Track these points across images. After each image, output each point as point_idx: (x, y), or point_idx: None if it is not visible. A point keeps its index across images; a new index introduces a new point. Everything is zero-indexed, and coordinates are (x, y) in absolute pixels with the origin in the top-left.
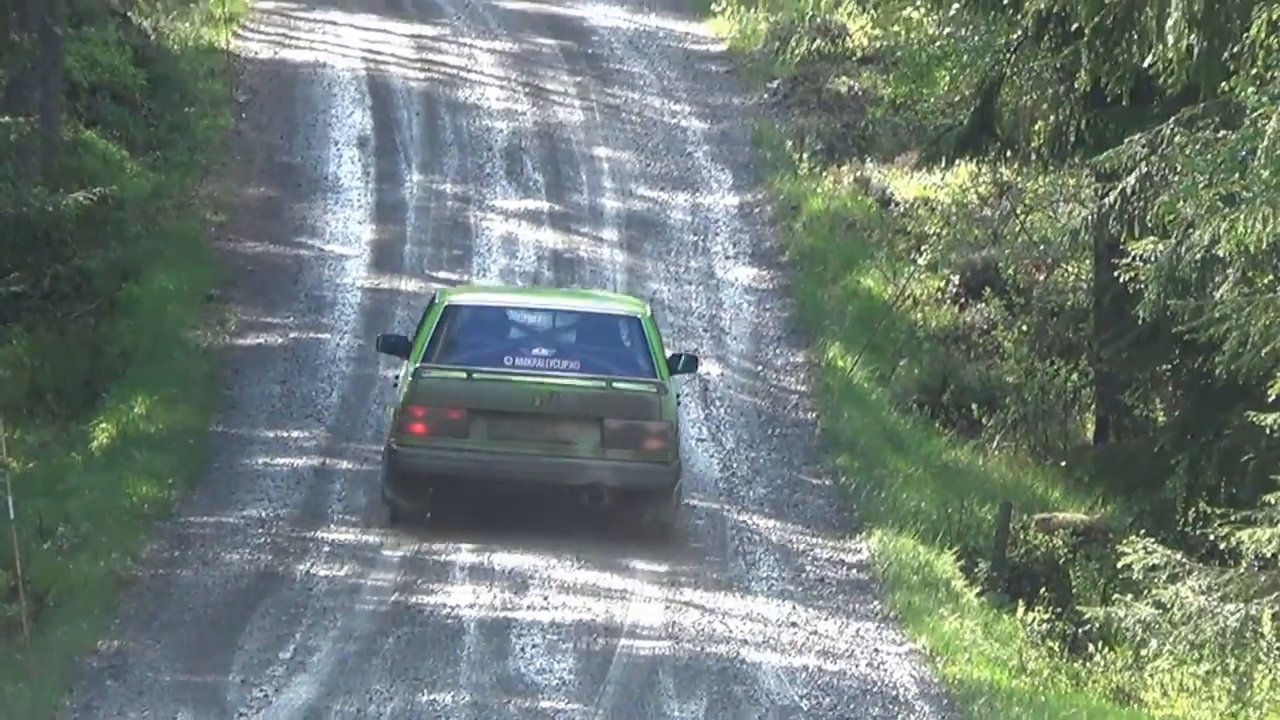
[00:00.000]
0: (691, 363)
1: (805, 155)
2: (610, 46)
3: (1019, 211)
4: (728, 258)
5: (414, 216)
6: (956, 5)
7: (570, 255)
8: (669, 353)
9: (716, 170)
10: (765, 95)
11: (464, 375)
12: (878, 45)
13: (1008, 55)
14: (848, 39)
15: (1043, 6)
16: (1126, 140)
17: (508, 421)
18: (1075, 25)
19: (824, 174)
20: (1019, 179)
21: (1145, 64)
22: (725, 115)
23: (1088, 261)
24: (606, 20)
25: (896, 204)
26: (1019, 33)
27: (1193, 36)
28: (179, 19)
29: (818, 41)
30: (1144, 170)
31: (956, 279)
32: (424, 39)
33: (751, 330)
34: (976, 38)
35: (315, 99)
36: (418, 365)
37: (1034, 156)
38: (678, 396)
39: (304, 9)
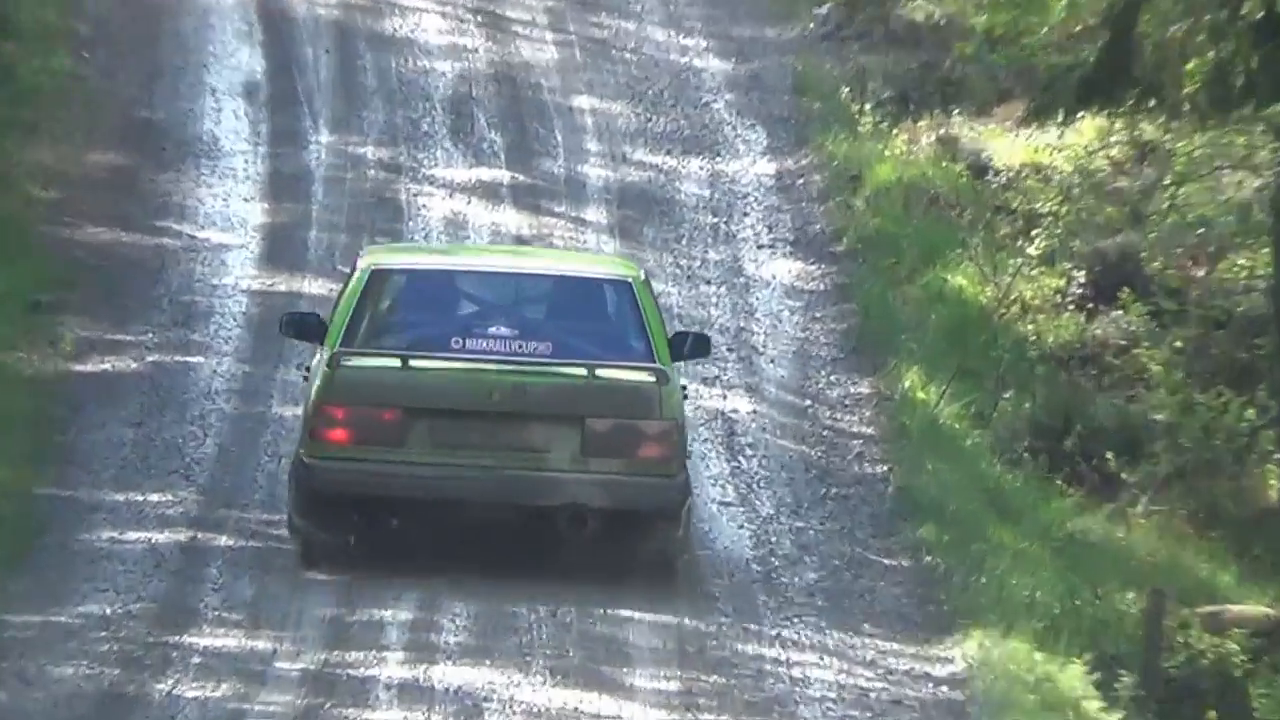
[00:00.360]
0: (701, 344)
1: (868, 106)
2: None
3: (1167, 182)
4: (761, 247)
5: (322, 191)
6: None
7: (541, 244)
8: (671, 330)
9: (744, 127)
10: (811, 24)
11: (398, 363)
12: None
13: None
14: None
15: None
16: None
17: (457, 424)
18: None
19: (894, 132)
20: (1166, 138)
21: None
22: (756, 52)
23: (1264, 250)
24: None
25: (996, 173)
26: None
27: None
28: None
29: None
30: None
31: (1082, 276)
32: None
33: (796, 349)
34: None
35: (185, 32)
36: (335, 350)
37: (1187, 107)
38: (683, 389)
39: None
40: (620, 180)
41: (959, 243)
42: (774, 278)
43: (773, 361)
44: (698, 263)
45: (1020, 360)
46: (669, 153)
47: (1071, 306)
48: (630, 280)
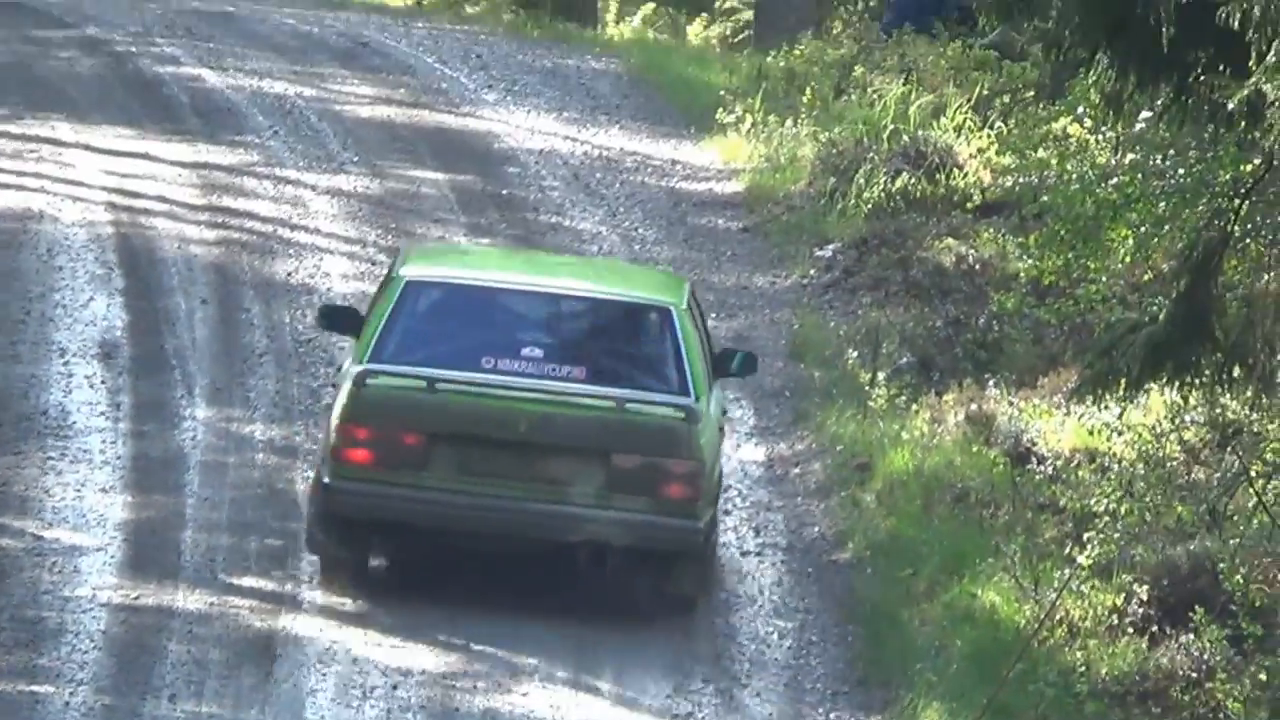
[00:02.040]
0: (749, 362)
1: (881, 375)
2: (541, 184)
3: (1254, 474)
4: (745, 553)
5: (198, 481)
6: (1147, 114)
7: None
8: (719, 348)
9: (726, 402)
10: (812, 271)
11: (424, 385)
12: (1009, 184)
13: (1236, 202)
14: (957, 173)
15: None
16: None
17: (481, 452)
18: None
19: (914, 408)
20: (1254, 417)
21: None
22: (741, 305)
23: None
24: (534, 139)
25: (1040, 461)
26: (1256, 163)
27: None
28: None
29: (904, 177)
30: None
31: (1144, 592)
32: (215, 171)
33: (787, 680)
34: (1182, 172)
35: (26, 275)
36: (364, 366)
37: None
38: (724, 412)
39: (6, 119)
40: None
41: (992, 549)
42: (761, 593)
43: (757, 695)
44: None
45: (1065, 697)
46: None
47: (1131, 629)
48: (671, 307)
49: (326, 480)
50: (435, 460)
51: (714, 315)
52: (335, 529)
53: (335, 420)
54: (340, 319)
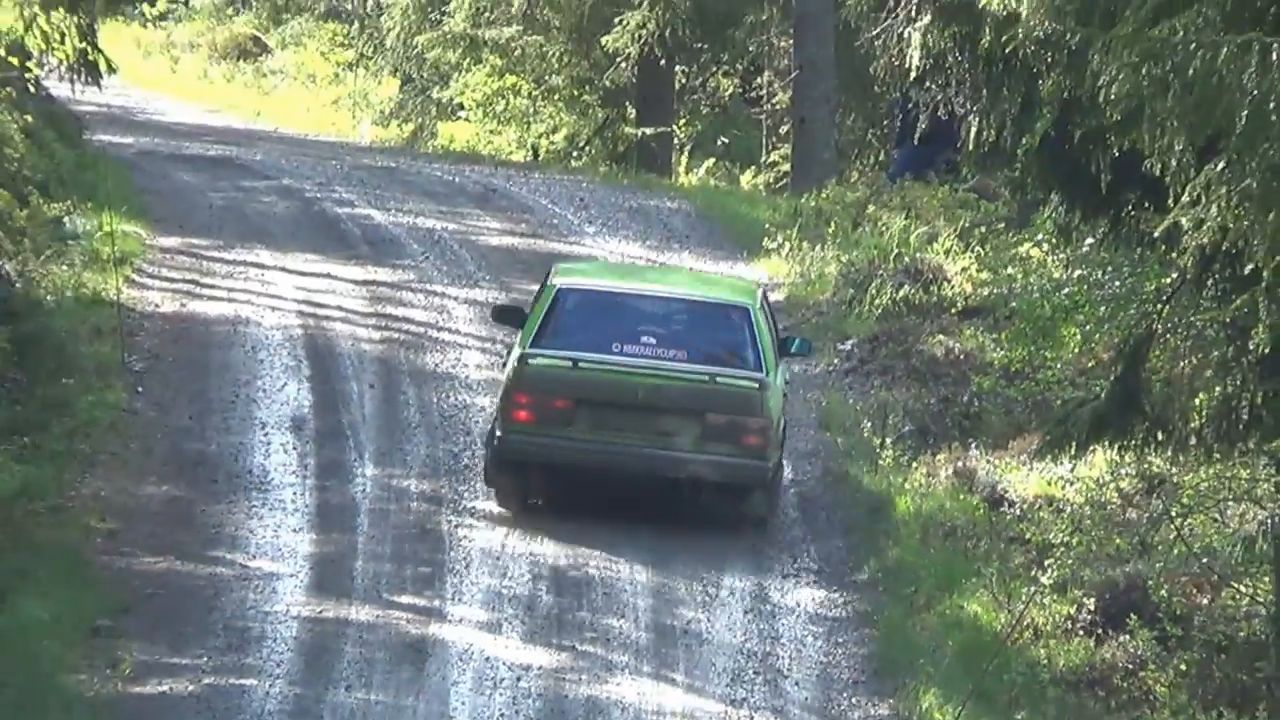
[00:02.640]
0: (805, 346)
1: (889, 440)
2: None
3: (1174, 514)
4: (785, 576)
5: (367, 523)
6: (1090, 240)
7: (576, 573)
8: (783, 334)
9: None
10: (836, 360)
11: (570, 365)
12: (986, 294)
13: (1159, 307)
14: (946, 285)
15: (1206, 242)
16: None
17: (611, 412)
18: (1250, 266)
19: (914, 465)
20: (1174, 471)
21: None
22: None
23: (1266, 579)
24: (625, 260)
25: (1011, 504)
26: (1174, 277)
27: None
28: (53, 260)
29: (905, 289)
30: None
31: (1092, 603)
32: (380, 286)
33: (819, 673)
34: (1117, 283)
35: (235, 367)
36: (525, 350)
37: (1194, 440)
38: (787, 382)
39: (219, 247)
40: (654, 510)
41: (975, 572)
42: (799, 605)
43: (797, 684)
44: (726, 591)
45: (1033, 683)
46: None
47: (1082, 632)
48: (749, 306)
49: (499, 434)
50: (578, 419)
51: None
52: (505, 469)
53: (506, 390)
54: (509, 316)
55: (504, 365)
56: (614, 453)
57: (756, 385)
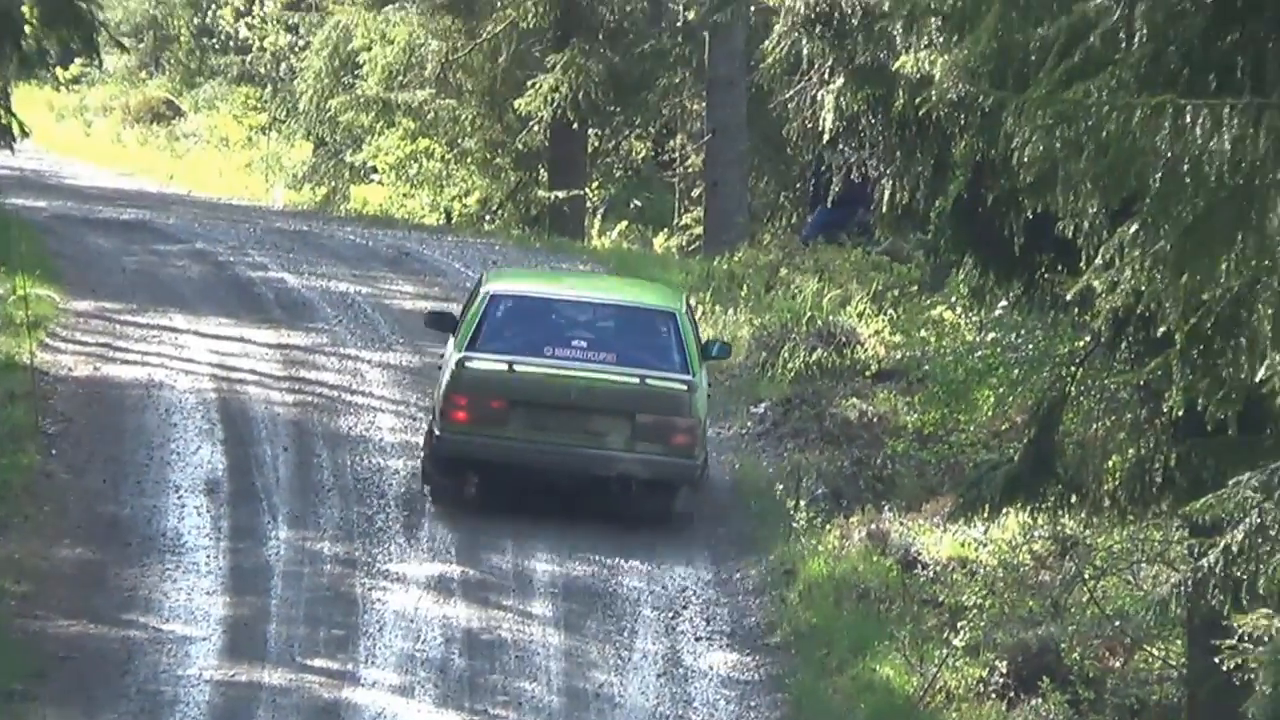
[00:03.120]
0: (725, 349)
1: (802, 503)
2: None
3: (1087, 576)
4: (699, 639)
5: (281, 586)
6: (1004, 303)
7: (489, 637)
8: (704, 338)
9: (684, 524)
10: (749, 423)
11: (505, 368)
12: (899, 357)
13: (1072, 369)
14: (859, 348)
15: (1120, 305)
16: (1231, 482)
17: (545, 413)
18: (1163, 329)
19: (827, 528)
20: (1087, 533)
21: (1257, 379)
22: None
23: (1179, 642)
24: None
25: (924, 566)
26: (1087, 339)
27: None
28: None
29: (819, 352)
30: (1255, 521)
31: (1004, 666)
32: (294, 350)
33: None
34: (1030, 346)
35: (149, 430)
36: (462, 354)
37: (1107, 502)
38: (709, 384)
39: (133, 311)
40: (565, 573)
41: (887, 635)
42: (711, 669)
43: None
44: (638, 654)
45: None
46: (611, 548)
47: (994, 695)
48: (675, 311)
49: (437, 433)
50: (513, 419)
51: None
52: (443, 467)
53: (442, 391)
54: (442, 321)
55: (439, 369)
56: (548, 452)
57: (684, 387)
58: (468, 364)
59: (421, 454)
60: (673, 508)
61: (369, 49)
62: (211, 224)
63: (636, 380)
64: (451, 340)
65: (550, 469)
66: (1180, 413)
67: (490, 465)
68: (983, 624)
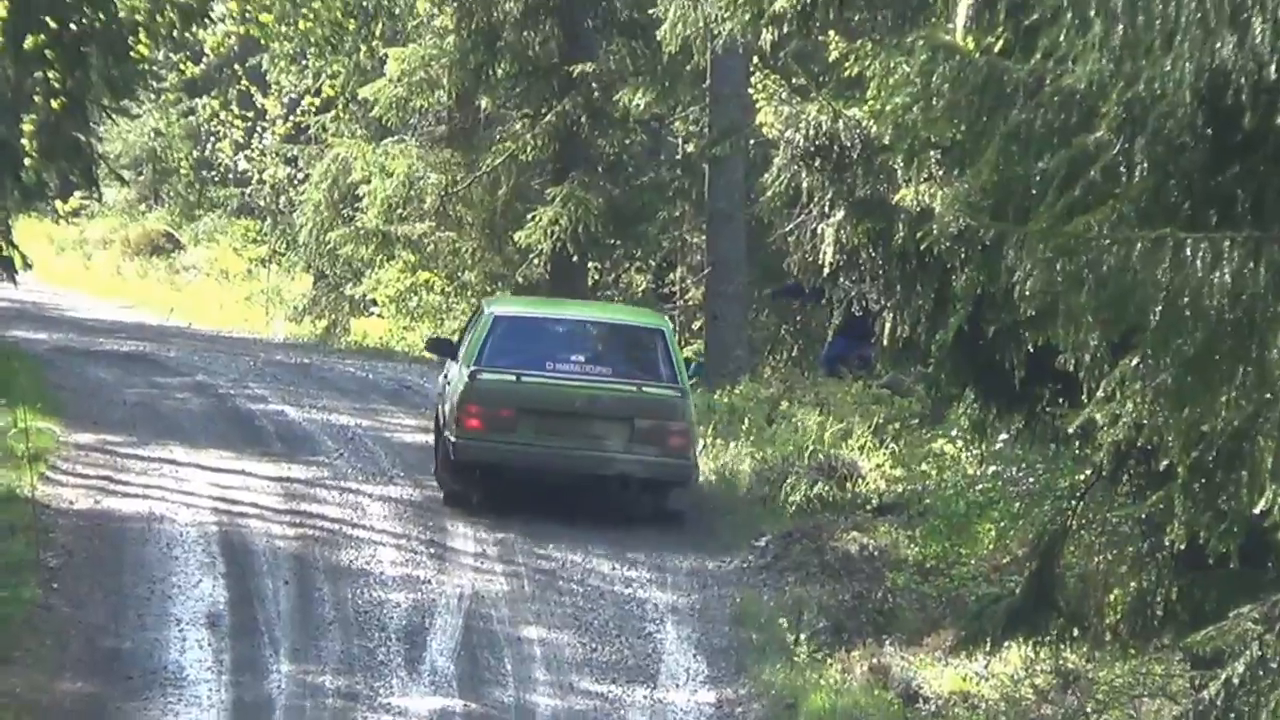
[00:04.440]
0: (700, 369)
1: (804, 636)
2: (545, 491)
3: (1089, 710)
4: None
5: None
6: (1005, 436)
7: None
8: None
9: (685, 657)
10: (751, 557)
11: (514, 379)
12: (900, 490)
13: (1073, 503)
14: (860, 482)
15: (1121, 438)
16: (1233, 614)
17: (551, 420)
18: (1165, 462)
19: (829, 661)
20: (1089, 666)
21: (1258, 511)
22: (697, 583)
23: None
24: None
25: (926, 700)
26: (1088, 473)
27: None
28: None
29: (820, 485)
30: (1256, 654)
31: None
32: (295, 483)
33: None
34: (1032, 480)
35: (150, 563)
36: (473, 368)
37: (1109, 636)
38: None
39: (134, 444)
40: (567, 708)
41: None
42: None
43: None
44: None
45: None
46: (613, 682)
47: None
48: (663, 329)
49: (452, 440)
50: (521, 426)
51: (676, 591)
52: (457, 471)
53: (456, 401)
54: (441, 346)
55: (441, 392)
56: (554, 454)
57: (678, 394)
58: (479, 376)
59: (437, 460)
60: (665, 507)
61: (368, 181)
62: (212, 356)
63: (634, 389)
64: (452, 362)
65: (556, 470)
66: (1182, 546)
67: (501, 468)
68: None
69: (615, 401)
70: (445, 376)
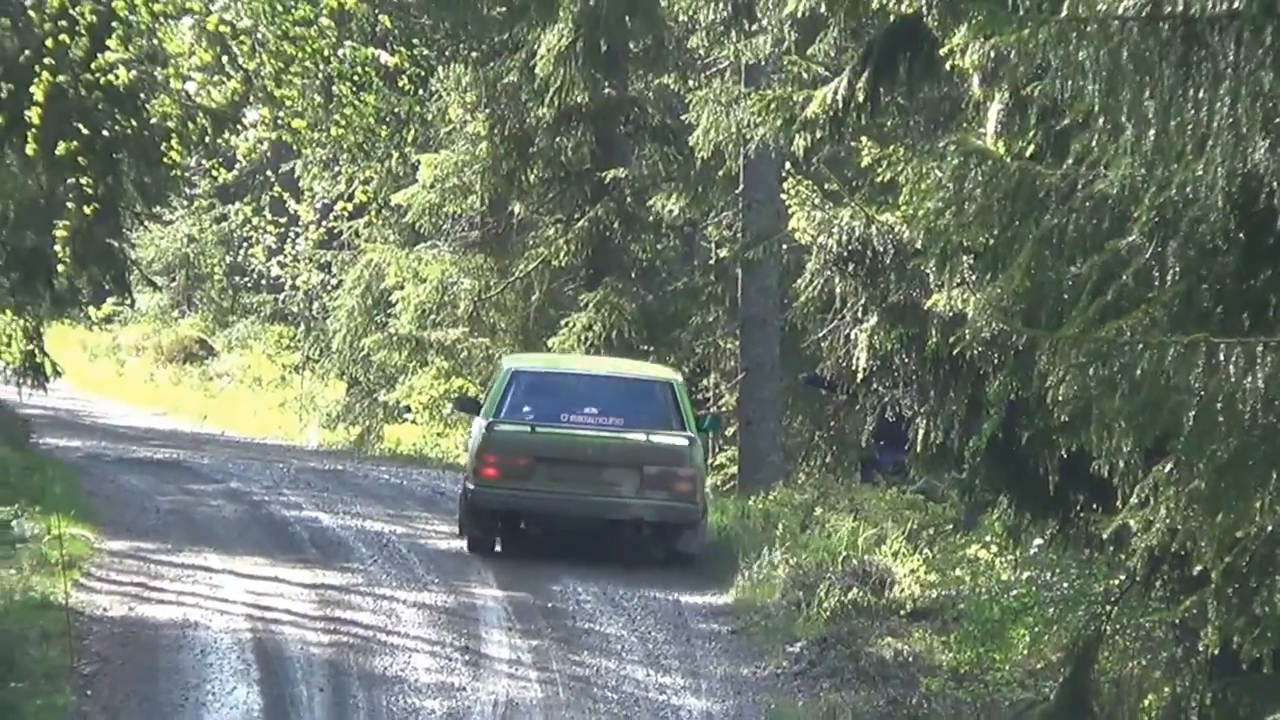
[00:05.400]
0: (715, 422)
1: None
2: (578, 599)
3: None
4: None
5: None
6: (1039, 542)
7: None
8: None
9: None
10: (785, 663)
11: (529, 429)
12: (934, 595)
13: (1107, 608)
14: (894, 587)
15: (1155, 543)
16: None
17: (564, 467)
18: (1199, 568)
19: None
20: None
21: None
22: (731, 690)
23: None
24: (575, 565)
25: None
26: (1122, 578)
27: None
28: (0, 564)
29: (854, 591)
30: None
31: None
32: (329, 590)
33: None
34: (1066, 585)
35: (184, 670)
36: (491, 419)
37: None
38: (706, 450)
39: (168, 550)
40: None
41: None
42: None
43: None
44: None
45: None
46: None
47: None
48: (673, 382)
49: (471, 488)
50: (537, 473)
51: (711, 698)
52: (476, 518)
53: (474, 452)
54: (467, 405)
55: (467, 445)
56: (567, 500)
57: (685, 442)
58: (496, 427)
59: (457, 512)
60: (678, 548)
61: (401, 287)
62: (245, 463)
63: (643, 437)
64: (476, 418)
65: (570, 515)
66: (1216, 651)
67: (518, 514)
68: None
69: (625, 449)
70: (471, 432)
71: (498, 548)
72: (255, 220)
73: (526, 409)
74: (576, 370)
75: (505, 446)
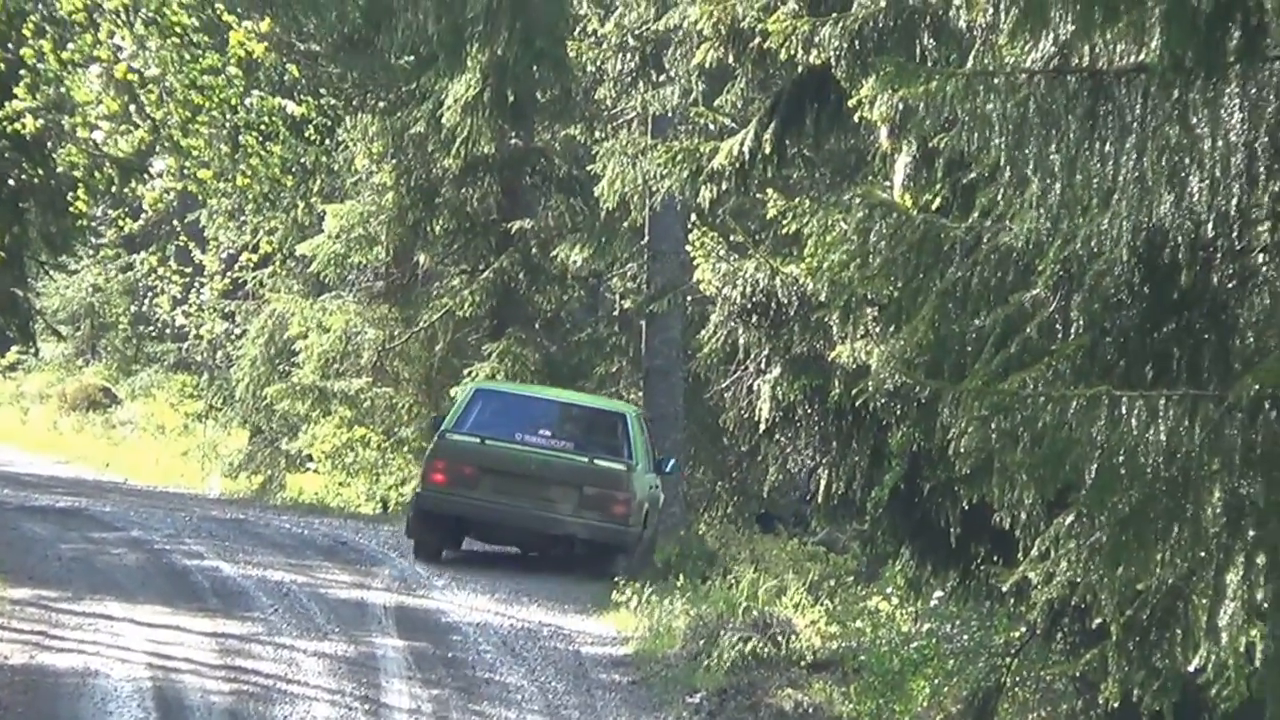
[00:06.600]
0: (676, 466)
1: None
2: (477, 649)
3: None
4: None
5: None
6: (939, 594)
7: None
8: (659, 458)
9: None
10: (685, 714)
11: (480, 441)
12: (835, 647)
13: (1008, 660)
14: (795, 639)
15: (1056, 596)
16: None
17: (509, 480)
18: (1099, 620)
19: None
20: None
21: (1191, 669)
22: None
23: None
24: (472, 614)
25: None
26: (1023, 630)
27: (1254, 632)
28: None
29: (754, 642)
30: None
31: None
32: (229, 638)
33: None
34: (966, 637)
35: (85, 718)
36: (444, 430)
37: None
38: (656, 486)
39: (69, 598)
40: None
41: None
42: None
43: None
44: None
45: None
46: None
47: None
48: (626, 413)
49: (419, 492)
50: (482, 483)
51: None
52: (422, 521)
53: (426, 459)
54: (438, 424)
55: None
56: (508, 511)
57: (624, 468)
58: (448, 436)
59: (408, 511)
60: (609, 569)
61: (305, 337)
62: (148, 512)
63: (586, 460)
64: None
65: (510, 526)
66: (1116, 704)
67: (461, 520)
68: None
69: (567, 469)
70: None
71: (444, 554)
72: (160, 270)
73: (482, 426)
74: (537, 396)
75: (454, 455)
